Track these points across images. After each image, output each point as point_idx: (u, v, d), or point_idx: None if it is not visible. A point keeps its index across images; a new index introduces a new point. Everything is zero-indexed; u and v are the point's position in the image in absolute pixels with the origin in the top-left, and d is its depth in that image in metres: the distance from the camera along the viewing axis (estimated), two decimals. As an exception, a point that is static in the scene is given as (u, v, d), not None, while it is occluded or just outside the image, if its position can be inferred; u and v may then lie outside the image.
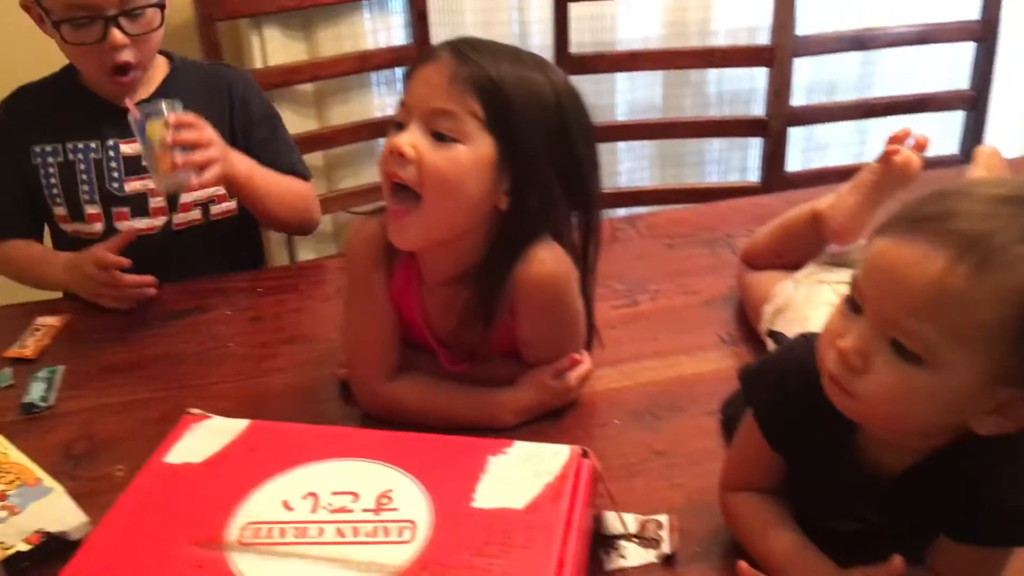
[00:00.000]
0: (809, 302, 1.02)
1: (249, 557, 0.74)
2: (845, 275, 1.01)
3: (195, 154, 1.14)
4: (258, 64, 1.80)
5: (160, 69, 1.32)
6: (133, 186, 1.29)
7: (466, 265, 0.95)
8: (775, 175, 1.90)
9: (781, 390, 0.77)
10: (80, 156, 1.28)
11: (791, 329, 1.00)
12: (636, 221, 1.40)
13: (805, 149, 2.12)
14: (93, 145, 1.28)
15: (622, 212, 1.99)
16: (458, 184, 0.89)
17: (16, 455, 0.93)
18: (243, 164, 1.24)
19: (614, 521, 0.85)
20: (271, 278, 1.33)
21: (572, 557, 0.73)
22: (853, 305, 0.70)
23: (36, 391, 1.07)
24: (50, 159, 1.28)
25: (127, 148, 1.28)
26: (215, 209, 1.33)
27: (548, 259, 0.94)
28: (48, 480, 0.89)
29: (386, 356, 1.01)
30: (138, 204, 1.29)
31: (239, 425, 0.87)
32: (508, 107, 0.88)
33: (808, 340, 0.76)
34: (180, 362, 1.13)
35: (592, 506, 0.83)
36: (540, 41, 1.94)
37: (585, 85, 1.91)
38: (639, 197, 1.98)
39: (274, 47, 1.80)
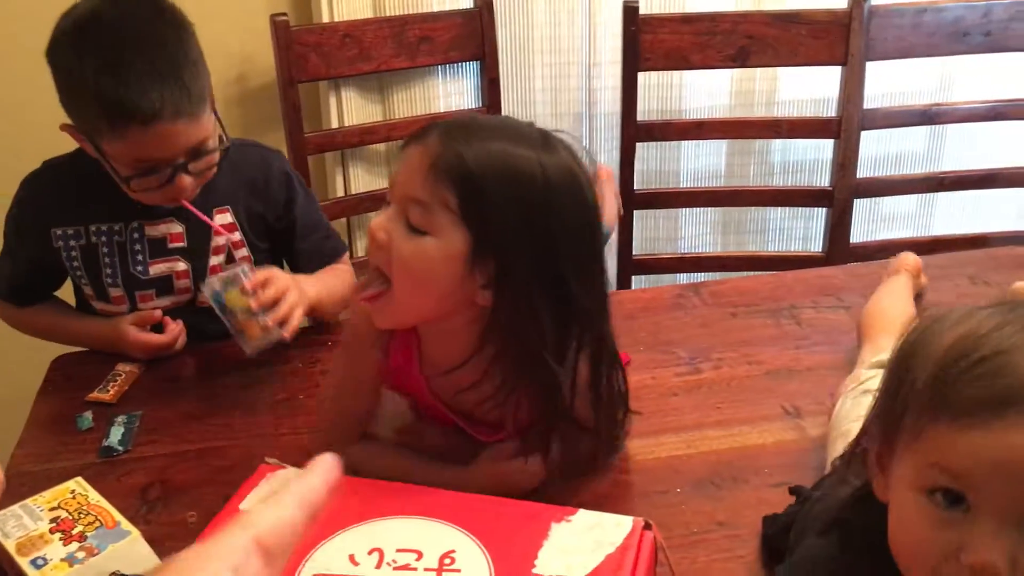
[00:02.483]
0: (851, 414, 0.98)
1: (314, 609, 0.76)
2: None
3: (280, 308, 1.15)
4: (335, 124, 1.87)
5: None
6: (158, 269, 1.26)
7: (463, 350, 0.91)
8: (839, 246, 1.90)
9: None
10: (103, 239, 1.25)
11: (836, 447, 0.96)
12: (700, 288, 1.41)
13: (870, 220, 2.12)
14: (117, 227, 1.24)
15: (683, 278, 2.02)
16: (424, 275, 0.86)
17: (96, 497, 0.96)
18: (312, 289, 1.23)
19: (675, 592, 0.85)
20: (342, 333, 1.37)
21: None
22: (954, 501, 0.62)
23: (115, 435, 1.11)
24: (72, 242, 1.25)
25: (152, 231, 1.25)
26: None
27: (583, 369, 0.91)
28: (125, 523, 0.92)
29: (354, 430, 1.02)
30: (163, 286, 1.28)
31: None
32: (483, 201, 0.83)
33: (835, 541, 0.73)
34: (253, 412, 1.16)
35: (653, 575, 0.83)
36: (608, 108, 1.98)
37: (650, 152, 1.99)
38: (701, 263, 1.99)
39: (351, 108, 1.87)
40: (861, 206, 1.97)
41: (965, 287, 1.36)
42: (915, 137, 2.07)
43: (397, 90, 1.89)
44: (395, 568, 0.78)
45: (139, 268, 1.26)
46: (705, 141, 2.04)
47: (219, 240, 1.27)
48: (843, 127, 1.82)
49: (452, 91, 1.93)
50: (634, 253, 1.93)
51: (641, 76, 1.80)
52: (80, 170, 1.23)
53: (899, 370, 0.67)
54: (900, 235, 2.09)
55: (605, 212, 1.60)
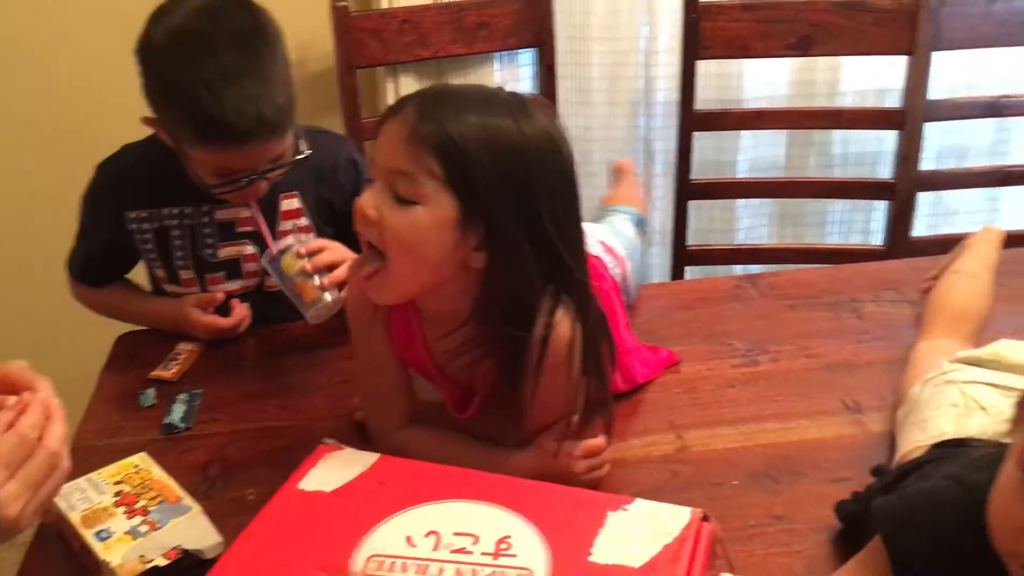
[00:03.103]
0: (932, 403, 0.96)
1: (372, 588, 0.76)
2: (975, 374, 0.97)
3: (336, 272, 1.16)
4: (391, 110, 1.88)
5: None
6: (227, 252, 1.28)
7: (461, 315, 0.93)
8: (900, 240, 1.86)
9: (937, 546, 0.73)
10: (175, 222, 1.26)
11: (911, 433, 0.95)
12: (757, 280, 1.39)
13: (932, 214, 2.07)
14: (188, 211, 1.26)
15: (739, 269, 2.00)
16: (418, 245, 0.87)
17: (158, 473, 0.98)
18: None
19: (732, 585, 0.84)
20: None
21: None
22: None
23: (177, 413, 1.13)
24: (145, 225, 1.26)
25: (222, 214, 1.26)
26: None
27: (563, 325, 0.91)
28: (187, 499, 0.94)
29: (394, 405, 1.03)
30: (232, 269, 1.29)
31: (370, 459, 0.90)
32: (467, 164, 0.84)
33: (960, 487, 0.73)
34: (309, 394, 1.17)
35: (711, 567, 0.82)
36: (666, 97, 1.96)
37: (708, 142, 1.97)
38: (757, 255, 1.96)
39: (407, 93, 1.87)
40: (924, 199, 1.92)
41: (1032, 283, 1.32)
42: (981, 129, 2.02)
43: (454, 76, 1.89)
44: (452, 551, 0.78)
45: (208, 251, 1.27)
46: (764, 131, 2.01)
47: (286, 225, 1.28)
48: (907, 118, 1.78)
49: (508, 78, 1.92)
50: (688, 244, 1.91)
51: (700, 64, 1.78)
52: (155, 155, 1.24)
53: None
54: (964, 230, 2.03)
55: (634, 200, 1.60)
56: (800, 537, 0.92)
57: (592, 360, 0.94)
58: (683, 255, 1.91)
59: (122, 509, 0.92)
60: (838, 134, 2.03)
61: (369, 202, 0.89)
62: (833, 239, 2.14)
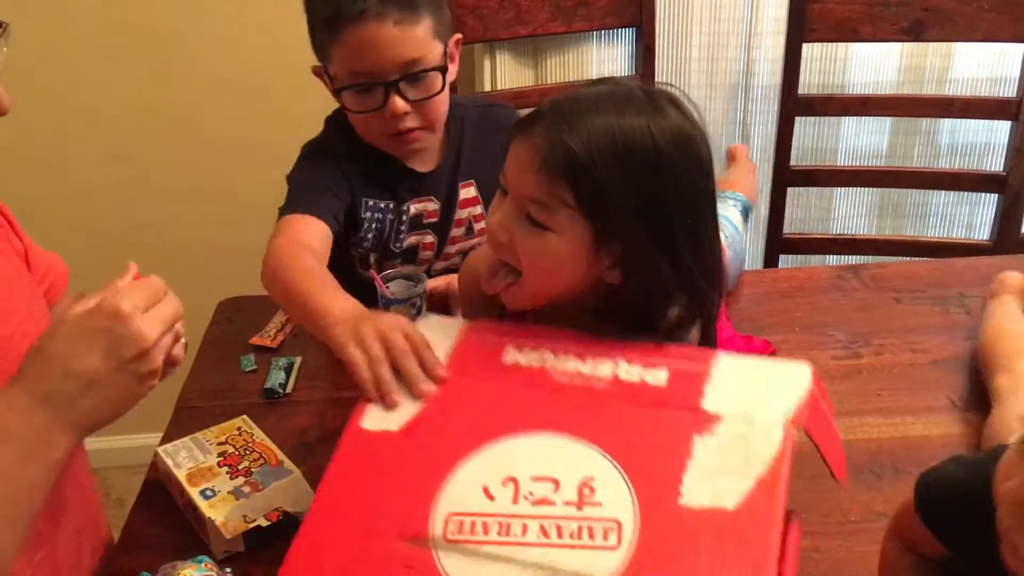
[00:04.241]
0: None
1: (456, 558, 0.73)
2: None
3: None
4: (488, 87, 1.88)
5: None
6: (409, 241, 1.28)
7: (579, 312, 0.92)
8: (1009, 235, 1.78)
9: (961, 510, 0.72)
10: (369, 215, 1.24)
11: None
12: (860, 271, 1.36)
13: (1044, 210, 1.98)
14: (391, 206, 1.25)
15: (832, 259, 1.95)
16: (552, 268, 0.87)
17: (260, 436, 1.00)
18: None
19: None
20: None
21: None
22: None
23: (276, 378, 1.15)
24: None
25: (415, 207, 1.26)
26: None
27: (692, 337, 0.90)
28: (288, 463, 0.95)
29: None
30: (409, 255, 1.29)
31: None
32: (600, 191, 0.82)
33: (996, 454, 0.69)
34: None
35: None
36: (767, 81, 1.91)
37: (808, 128, 1.91)
38: (855, 245, 1.91)
39: (504, 71, 1.87)
40: (1035, 194, 1.84)
41: None
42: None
43: (551, 55, 1.88)
44: (533, 503, 0.75)
45: (397, 244, 1.27)
46: (866, 118, 1.95)
47: (462, 214, 1.29)
48: (1023, 109, 1.70)
49: (606, 58, 1.90)
50: (784, 231, 1.87)
51: (806, 47, 1.73)
52: (351, 151, 1.22)
53: None
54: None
55: (745, 187, 1.57)
56: (903, 535, 0.89)
57: None
58: (779, 243, 1.87)
59: (225, 469, 0.95)
60: (946, 123, 1.96)
61: (502, 226, 0.88)
62: (933, 233, 2.07)
